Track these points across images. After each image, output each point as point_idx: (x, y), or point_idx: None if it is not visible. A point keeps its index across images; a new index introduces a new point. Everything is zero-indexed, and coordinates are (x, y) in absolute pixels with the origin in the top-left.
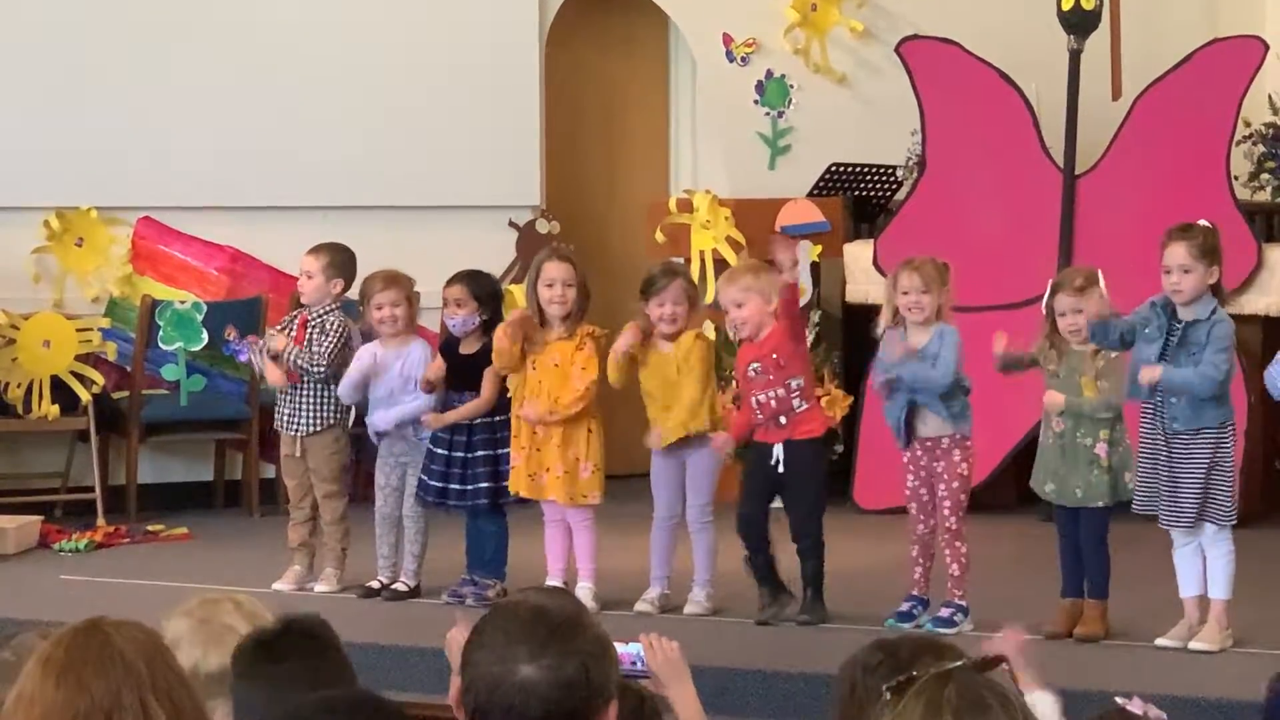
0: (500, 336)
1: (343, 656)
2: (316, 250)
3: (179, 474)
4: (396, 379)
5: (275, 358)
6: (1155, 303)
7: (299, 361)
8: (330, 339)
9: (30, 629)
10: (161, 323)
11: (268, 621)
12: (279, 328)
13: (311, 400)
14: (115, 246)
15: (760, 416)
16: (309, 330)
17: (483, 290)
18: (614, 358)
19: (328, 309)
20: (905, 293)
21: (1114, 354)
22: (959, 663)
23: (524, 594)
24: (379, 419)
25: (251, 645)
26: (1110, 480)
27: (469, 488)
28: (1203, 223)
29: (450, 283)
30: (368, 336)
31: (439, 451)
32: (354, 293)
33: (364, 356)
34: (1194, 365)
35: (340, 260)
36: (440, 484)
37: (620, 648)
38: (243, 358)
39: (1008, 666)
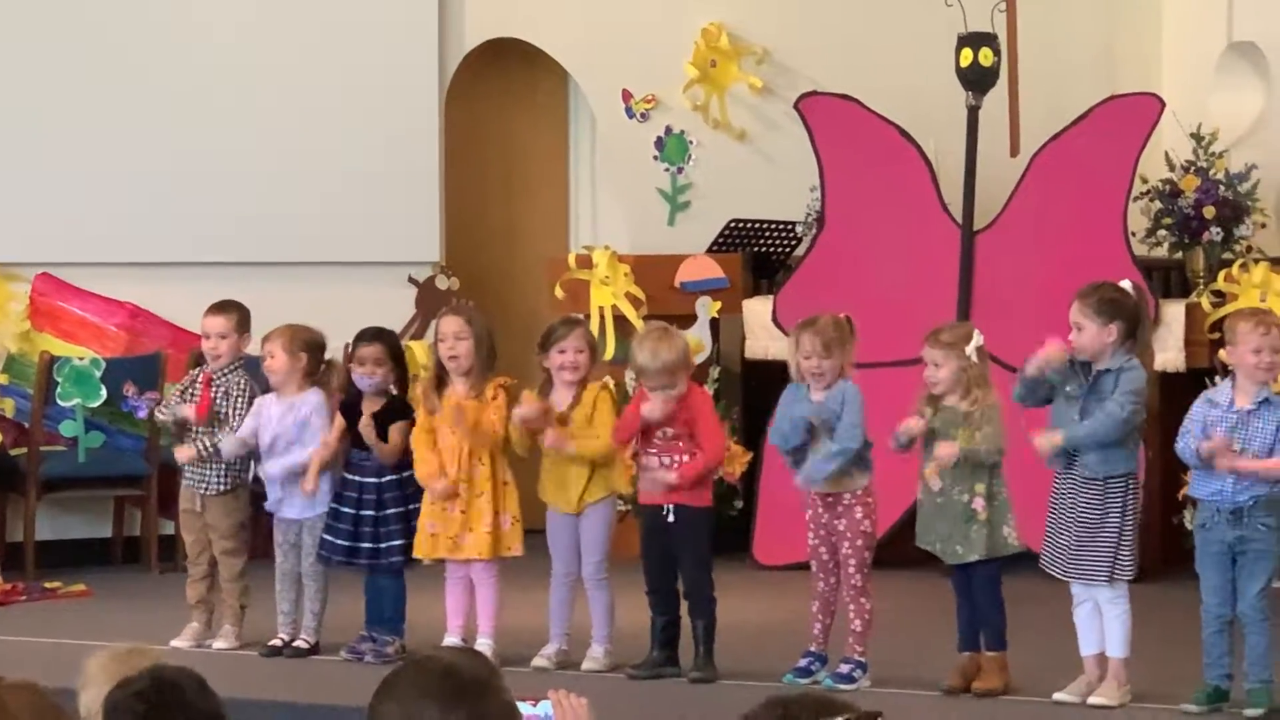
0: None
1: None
2: (223, 310)
3: (77, 530)
4: (289, 428)
5: (183, 427)
6: (1074, 360)
7: (225, 448)
8: (242, 404)
9: None
10: (60, 379)
11: None
12: (179, 388)
13: (219, 461)
14: (13, 303)
15: (649, 475)
16: (214, 391)
17: (395, 350)
18: (515, 426)
19: (232, 368)
20: (807, 356)
21: (990, 404)
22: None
23: (440, 651)
24: (269, 467)
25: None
26: (988, 533)
27: (383, 546)
28: (1125, 283)
29: (365, 342)
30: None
31: (346, 510)
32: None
33: (256, 409)
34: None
35: (245, 315)
36: (349, 543)
37: (529, 708)
38: (141, 414)
39: None
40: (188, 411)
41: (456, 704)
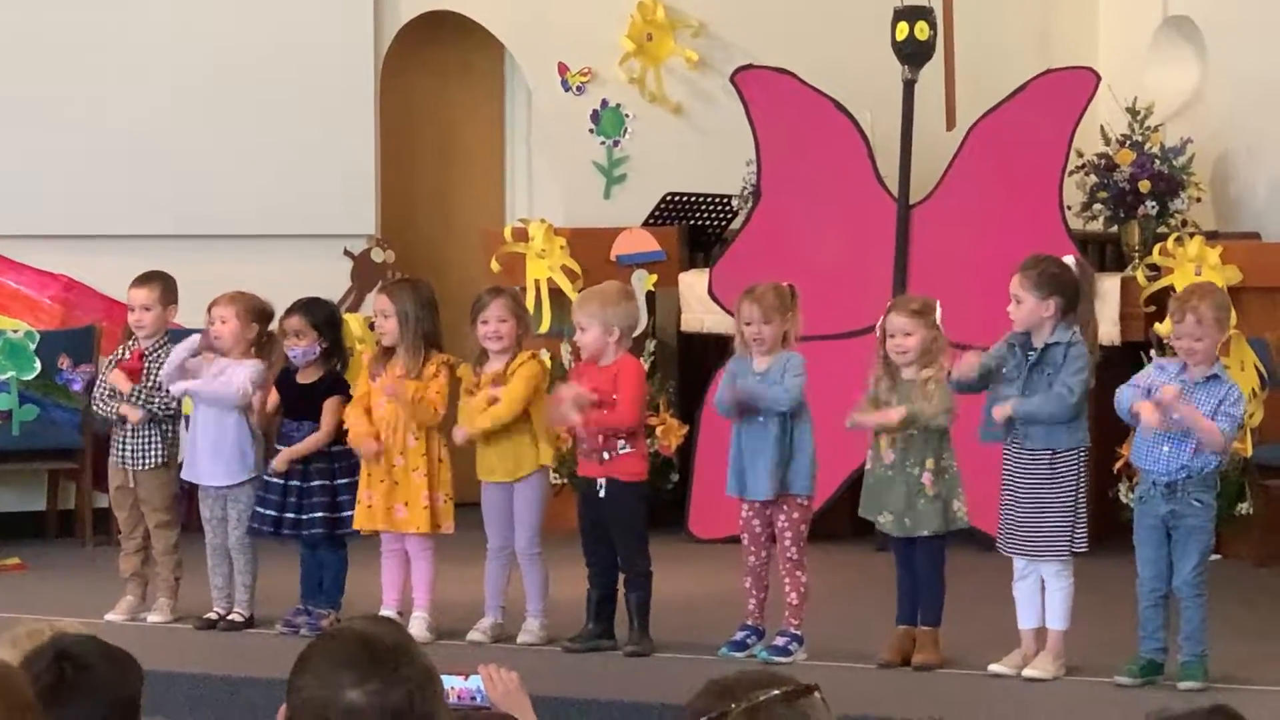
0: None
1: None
2: (147, 281)
3: (11, 504)
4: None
5: (112, 395)
6: (1011, 341)
7: (150, 407)
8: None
9: None
10: None
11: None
12: (110, 362)
13: (147, 436)
14: None
15: (585, 445)
16: (146, 364)
17: (320, 318)
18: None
19: (164, 341)
20: (748, 323)
21: (943, 373)
22: (771, 693)
23: (351, 621)
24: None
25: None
26: (939, 508)
27: (304, 517)
28: (1068, 259)
29: (287, 314)
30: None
31: (275, 481)
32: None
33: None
34: (1048, 386)
35: (171, 286)
36: (276, 513)
37: (460, 682)
38: (76, 387)
39: (821, 694)
40: (121, 384)
41: (374, 671)
